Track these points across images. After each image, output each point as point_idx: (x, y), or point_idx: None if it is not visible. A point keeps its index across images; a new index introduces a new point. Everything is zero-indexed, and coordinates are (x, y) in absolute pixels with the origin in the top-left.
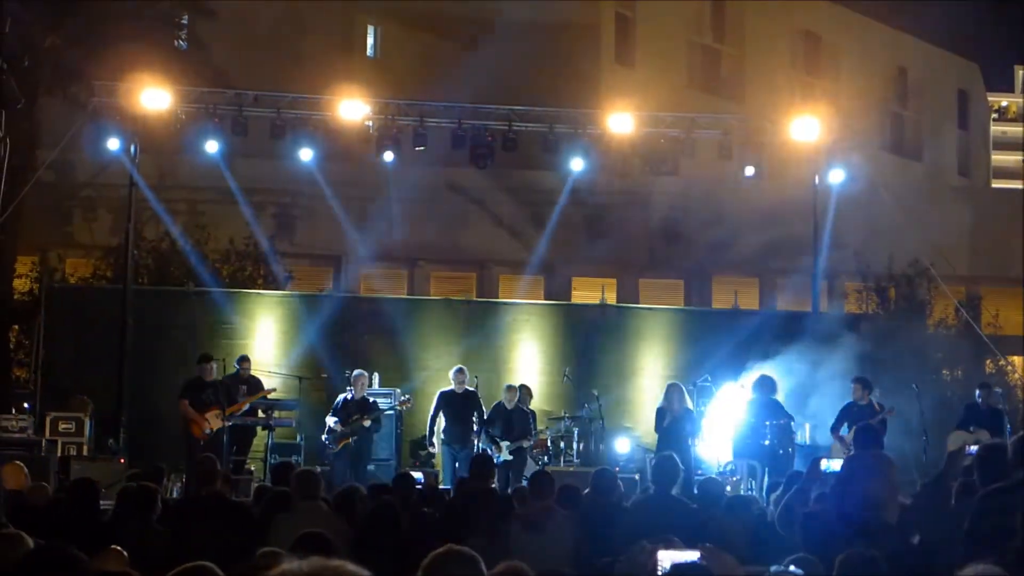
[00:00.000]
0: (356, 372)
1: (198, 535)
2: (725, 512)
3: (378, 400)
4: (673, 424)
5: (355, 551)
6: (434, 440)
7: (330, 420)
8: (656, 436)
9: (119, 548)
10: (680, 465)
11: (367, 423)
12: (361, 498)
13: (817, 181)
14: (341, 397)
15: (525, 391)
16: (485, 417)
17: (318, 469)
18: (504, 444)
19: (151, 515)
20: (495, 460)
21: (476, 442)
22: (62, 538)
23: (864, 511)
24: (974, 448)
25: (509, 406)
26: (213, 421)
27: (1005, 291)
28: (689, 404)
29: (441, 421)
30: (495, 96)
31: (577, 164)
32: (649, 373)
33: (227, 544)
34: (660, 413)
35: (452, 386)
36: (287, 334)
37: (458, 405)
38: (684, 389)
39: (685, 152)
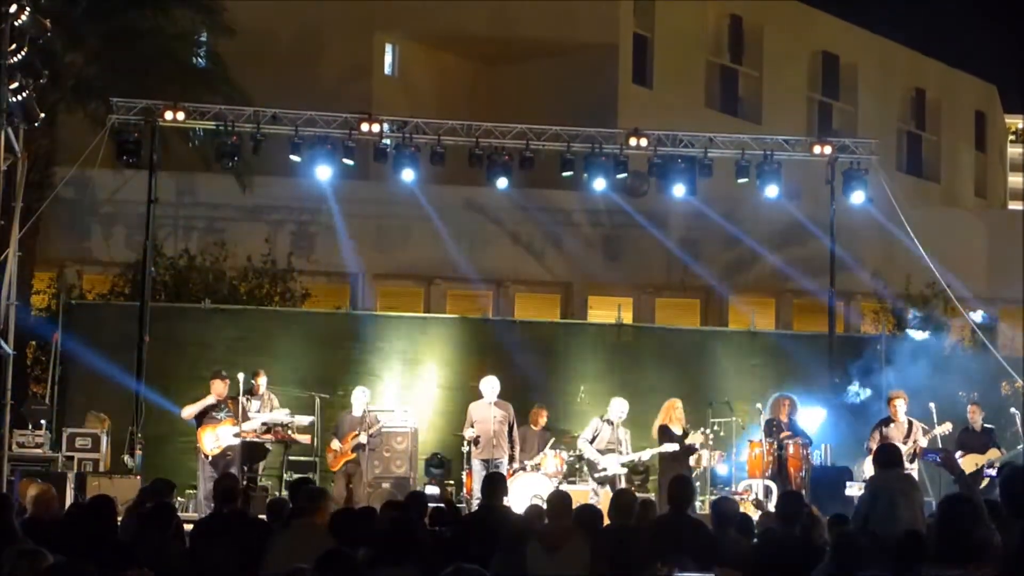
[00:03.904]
0: (356, 389)
1: (220, 553)
2: (738, 532)
3: (384, 416)
4: (675, 442)
5: (369, 569)
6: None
7: (334, 443)
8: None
9: (145, 570)
10: (691, 485)
11: (364, 439)
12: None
13: (834, 202)
14: (342, 415)
15: (540, 412)
16: (582, 434)
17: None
18: (611, 457)
19: (168, 532)
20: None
21: (510, 455)
22: (79, 555)
23: (890, 530)
24: (991, 470)
25: (616, 421)
26: (224, 437)
27: (1022, 313)
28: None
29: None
30: (512, 115)
31: (596, 184)
32: (665, 393)
33: (248, 561)
34: (664, 431)
35: (484, 398)
36: (304, 351)
37: (494, 417)
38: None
39: (702, 172)
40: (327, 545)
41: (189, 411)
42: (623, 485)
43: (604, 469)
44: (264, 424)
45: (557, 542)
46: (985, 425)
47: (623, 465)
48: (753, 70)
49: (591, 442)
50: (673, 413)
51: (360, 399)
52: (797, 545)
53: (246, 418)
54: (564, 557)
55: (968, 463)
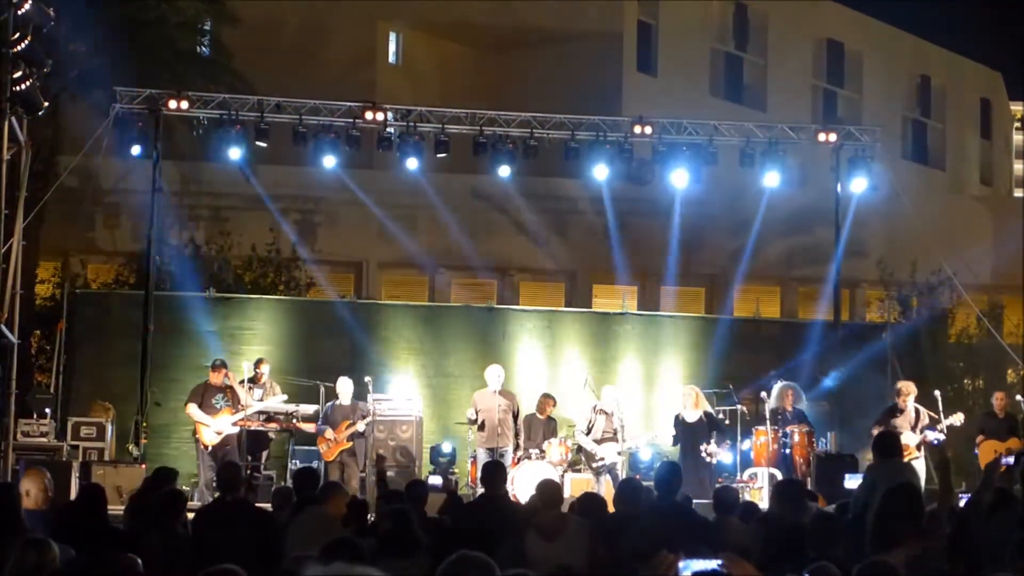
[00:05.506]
0: (341, 379)
1: (223, 541)
2: (740, 519)
3: (387, 405)
4: (689, 429)
5: (375, 560)
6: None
7: (327, 432)
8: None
9: (133, 556)
10: (679, 472)
11: (361, 428)
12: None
13: (839, 189)
14: (328, 405)
15: (547, 400)
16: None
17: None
18: (609, 446)
19: (178, 520)
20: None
21: (516, 444)
22: (79, 545)
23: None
24: (1009, 458)
25: (610, 410)
26: (223, 427)
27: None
28: (708, 408)
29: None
30: (516, 103)
31: (600, 172)
32: (670, 381)
33: (252, 550)
34: (677, 419)
35: (489, 386)
36: (308, 340)
37: (499, 405)
38: (701, 393)
39: (707, 159)
40: (338, 534)
41: (194, 411)
42: (622, 473)
43: (602, 459)
44: (263, 413)
45: (553, 531)
46: (1009, 412)
47: (619, 453)
48: (758, 58)
49: (587, 433)
50: (684, 400)
51: (346, 388)
52: (797, 530)
53: (244, 407)
54: (562, 545)
55: (987, 449)
